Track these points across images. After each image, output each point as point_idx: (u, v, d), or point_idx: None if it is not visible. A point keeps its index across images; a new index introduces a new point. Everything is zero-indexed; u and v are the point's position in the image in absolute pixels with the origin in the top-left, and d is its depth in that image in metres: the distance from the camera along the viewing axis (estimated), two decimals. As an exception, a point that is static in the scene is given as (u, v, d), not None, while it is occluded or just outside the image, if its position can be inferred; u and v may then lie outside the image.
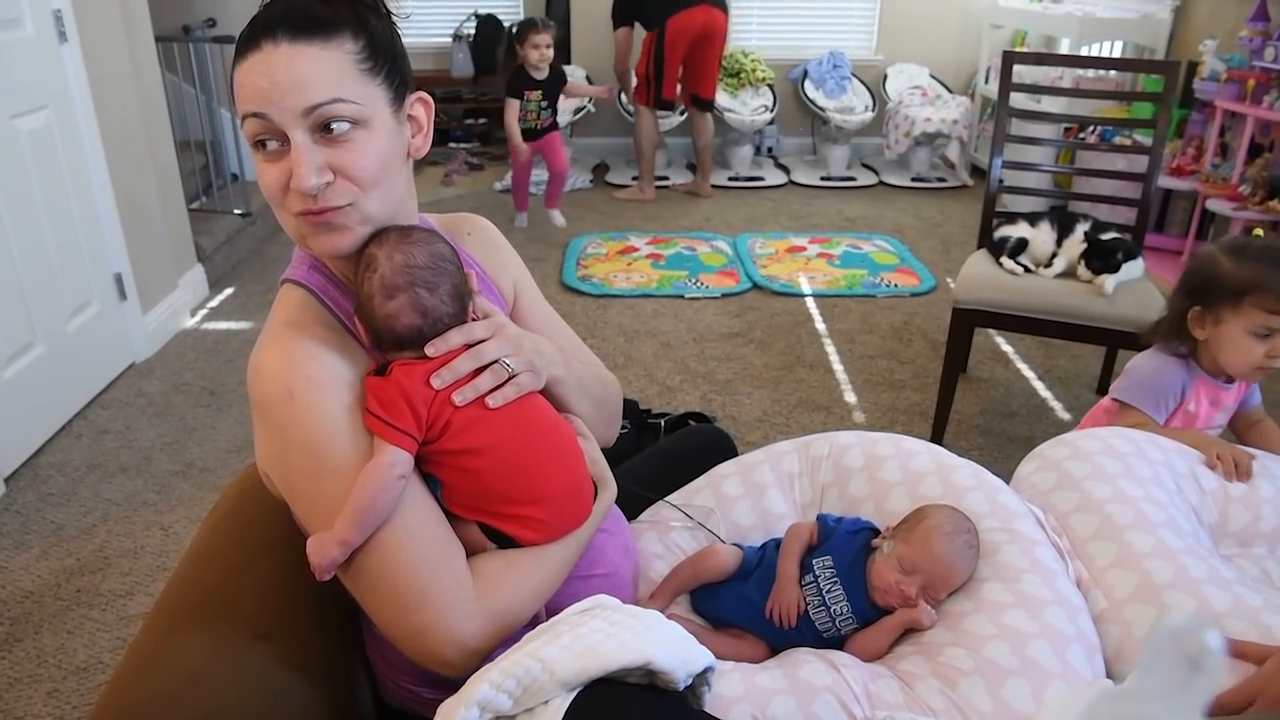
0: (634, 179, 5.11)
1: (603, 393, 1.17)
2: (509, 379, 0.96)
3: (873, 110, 5.38)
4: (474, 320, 0.98)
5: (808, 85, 5.50)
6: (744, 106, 5.36)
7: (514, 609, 0.94)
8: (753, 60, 5.44)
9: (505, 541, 0.97)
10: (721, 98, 5.38)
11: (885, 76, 5.62)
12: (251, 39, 0.87)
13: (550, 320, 1.21)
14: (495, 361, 0.96)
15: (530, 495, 0.97)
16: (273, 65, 0.86)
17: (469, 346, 0.95)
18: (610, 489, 1.09)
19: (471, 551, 0.96)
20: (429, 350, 0.93)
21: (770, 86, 5.43)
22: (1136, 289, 2.36)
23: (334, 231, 0.91)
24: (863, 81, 5.55)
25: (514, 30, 4.10)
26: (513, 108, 4.02)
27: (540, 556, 0.98)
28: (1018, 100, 3.28)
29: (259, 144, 0.89)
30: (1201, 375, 1.62)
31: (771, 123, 5.47)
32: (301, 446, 0.89)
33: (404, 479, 0.89)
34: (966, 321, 2.46)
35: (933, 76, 5.60)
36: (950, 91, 5.52)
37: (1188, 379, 1.62)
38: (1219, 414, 1.66)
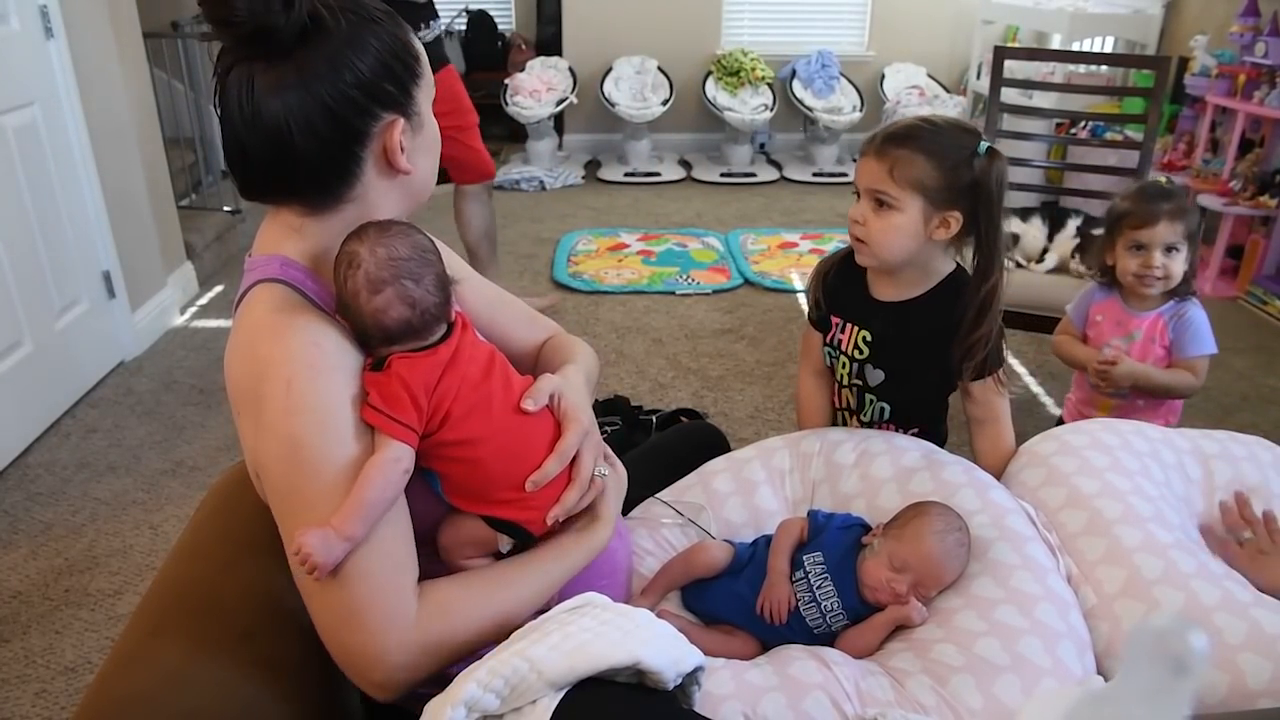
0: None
1: (594, 368, 1.24)
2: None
3: (861, 110, 5.36)
4: (531, 403, 0.98)
5: (796, 85, 5.48)
6: (744, 105, 5.33)
7: (454, 641, 0.92)
8: (752, 59, 5.40)
9: (511, 529, 0.98)
10: (721, 97, 5.37)
11: (883, 76, 5.61)
12: None
13: (501, 298, 1.25)
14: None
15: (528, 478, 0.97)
16: None
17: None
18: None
19: (479, 546, 0.97)
20: (528, 486, 0.95)
21: (770, 85, 5.41)
22: (1127, 284, 2.36)
23: None
24: (851, 81, 5.53)
25: None
26: None
27: (512, 580, 0.97)
28: (1009, 96, 3.28)
29: None
30: (1115, 298, 1.93)
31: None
32: (299, 439, 0.86)
33: (408, 474, 0.89)
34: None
35: (930, 76, 5.60)
36: (948, 91, 5.51)
37: (1093, 300, 1.97)
38: (1119, 338, 1.92)
